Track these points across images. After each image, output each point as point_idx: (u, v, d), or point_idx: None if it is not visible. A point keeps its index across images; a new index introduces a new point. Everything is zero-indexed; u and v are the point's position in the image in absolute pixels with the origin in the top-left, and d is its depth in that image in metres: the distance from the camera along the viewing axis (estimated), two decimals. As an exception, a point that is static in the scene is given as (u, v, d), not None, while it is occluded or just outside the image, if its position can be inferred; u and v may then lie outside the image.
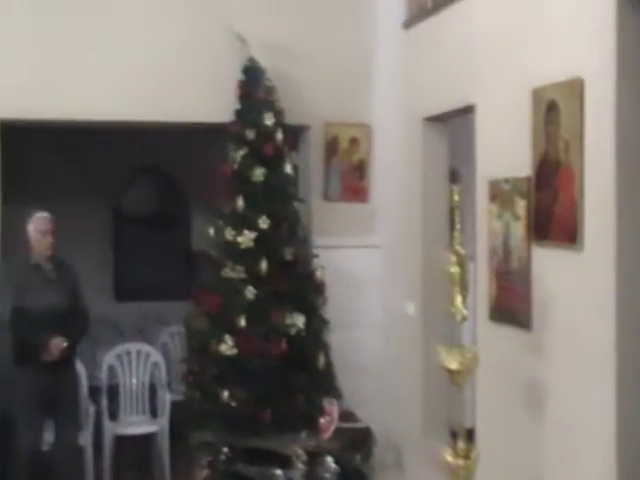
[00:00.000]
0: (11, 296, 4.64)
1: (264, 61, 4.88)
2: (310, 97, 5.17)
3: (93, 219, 7.36)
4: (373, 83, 5.29)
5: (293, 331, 4.60)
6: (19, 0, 4.82)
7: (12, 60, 4.80)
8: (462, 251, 3.24)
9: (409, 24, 4.80)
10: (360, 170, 5.30)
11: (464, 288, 3.21)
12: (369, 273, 5.23)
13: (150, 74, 4.99)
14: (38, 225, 4.74)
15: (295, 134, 5.21)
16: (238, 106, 4.85)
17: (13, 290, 4.66)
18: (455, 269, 3.20)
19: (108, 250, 7.65)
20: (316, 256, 4.88)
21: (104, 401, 5.46)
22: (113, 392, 5.60)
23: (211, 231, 4.78)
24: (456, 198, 3.36)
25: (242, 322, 4.54)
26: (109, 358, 5.64)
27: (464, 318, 3.20)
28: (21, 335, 4.57)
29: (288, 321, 4.59)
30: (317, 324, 4.71)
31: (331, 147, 5.27)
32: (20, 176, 5.28)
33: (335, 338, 4.80)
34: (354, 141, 5.29)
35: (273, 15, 5.11)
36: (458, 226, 3.26)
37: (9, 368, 4.68)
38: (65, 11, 4.89)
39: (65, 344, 4.60)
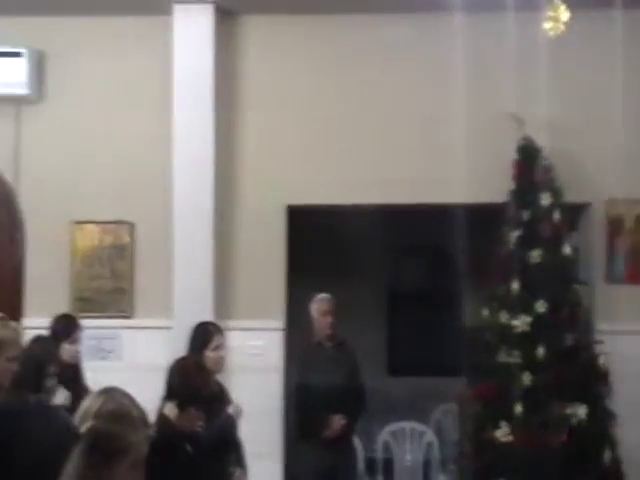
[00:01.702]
0: (296, 374, 4.97)
1: (539, 139, 4.77)
2: (590, 173, 4.98)
3: (366, 296, 7.58)
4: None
5: (574, 421, 4.36)
6: (293, 92, 5.19)
7: (292, 153, 5.20)
8: None
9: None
10: (648, 250, 4.97)
11: None
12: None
13: (422, 156, 5.13)
14: (320, 306, 5.02)
15: (574, 212, 5.01)
16: (512, 186, 4.79)
17: (298, 368, 4.99)
18: None
19: (382, 326, 7.84)
20: (600, 342, 4.62)
21: (380, 478, 5.60)
22: (388, 465, 5.70)
23: (485, 312, 4.73)
24: None
25: (518, 409, 4.40)
26: (384, 435, 5.78)
27: None
28: (304, 411, 4.83)
29: (568, 411, 4.37)
30: (601, 416, 4.43)
31: (615, 225, 5.00)
32: (299, 258, 5.63)
33: (624, 432, 4.47)
34: (641, 219, 4.98)
35: (547, 92, 4.93)
36: None
37: (295, 443, 4.98)
38: (335, 100, 5.19)
39: (344, 421, 4.79)
